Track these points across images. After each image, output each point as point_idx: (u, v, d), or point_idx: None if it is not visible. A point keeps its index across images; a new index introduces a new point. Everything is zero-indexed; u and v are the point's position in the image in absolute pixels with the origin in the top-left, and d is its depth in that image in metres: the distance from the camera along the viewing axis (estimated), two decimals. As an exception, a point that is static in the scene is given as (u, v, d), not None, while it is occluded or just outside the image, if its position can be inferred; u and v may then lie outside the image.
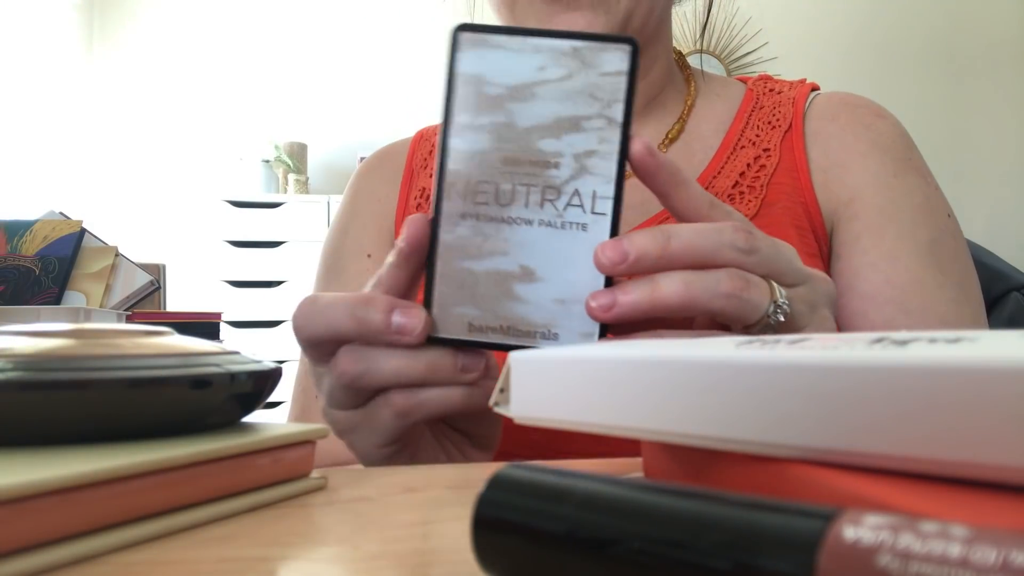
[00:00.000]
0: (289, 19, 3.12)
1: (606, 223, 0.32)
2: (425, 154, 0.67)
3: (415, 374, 0.33)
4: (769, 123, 0.59)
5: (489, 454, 0.41)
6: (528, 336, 0.33)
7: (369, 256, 0.63)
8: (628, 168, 0.33)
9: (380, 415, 0.35)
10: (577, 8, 0.53)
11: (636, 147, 0.33)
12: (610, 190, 0.32)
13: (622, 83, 0.32)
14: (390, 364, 0.33)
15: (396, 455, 0.37)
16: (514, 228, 0.32)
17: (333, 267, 0.64)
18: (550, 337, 0.33)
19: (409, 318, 0.33)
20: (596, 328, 0.32)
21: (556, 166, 0.32)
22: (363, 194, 0.67)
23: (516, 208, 0.32)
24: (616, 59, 0.32)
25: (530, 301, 0.32)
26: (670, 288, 0.31)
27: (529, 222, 0.32)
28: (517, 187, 0.32)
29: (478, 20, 0.71)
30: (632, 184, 0.59)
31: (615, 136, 0.32)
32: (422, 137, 0.69)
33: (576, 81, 0.32)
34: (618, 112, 0.32)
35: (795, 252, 0.36)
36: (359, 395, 0.35)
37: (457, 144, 0.33)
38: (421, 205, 0.64)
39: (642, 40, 0.59)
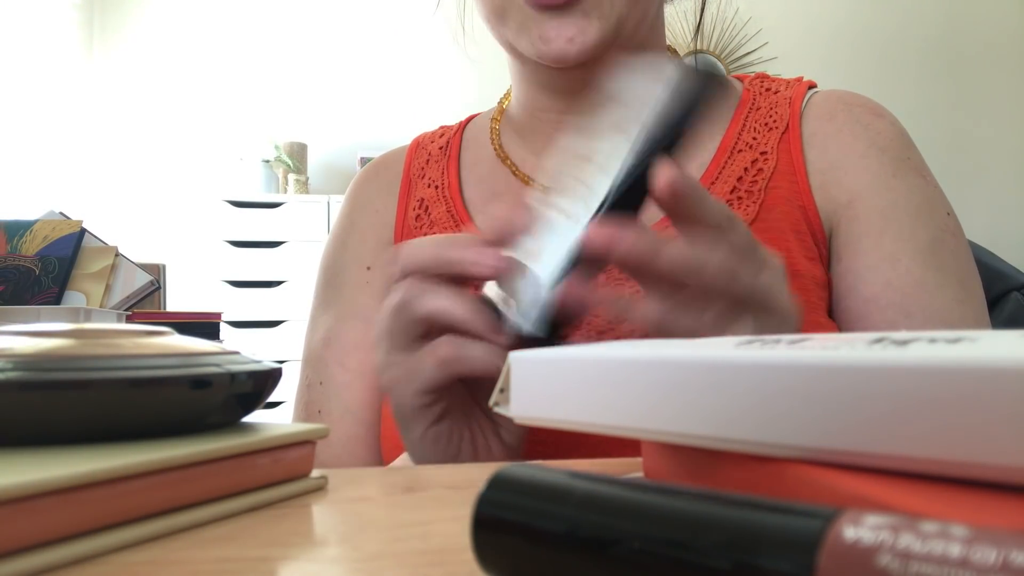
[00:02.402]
0: (289, 19, 3.12)
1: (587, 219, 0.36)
2: (422, 163, 0.66)
3: (456, 313, 0.36)
4: (766, 124, 0.58)
5: (513, 453, 0.42)
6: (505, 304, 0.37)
7: (368, 268, 0.63)
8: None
9: (423, 361, 0.37)
10: (569, 14, 0.52)
11: (660, 182, 0.34)
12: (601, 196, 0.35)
13: (656, 104, 0.34)
14: (438, 300, 0.36)
15: (427, 408, 0.38)
16: (551, 220, 0.37)
17: (332, 280, 0.64)
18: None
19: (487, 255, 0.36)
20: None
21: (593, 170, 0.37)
22: (360, 206, 0.66)
23: (559, 203, 0.37)
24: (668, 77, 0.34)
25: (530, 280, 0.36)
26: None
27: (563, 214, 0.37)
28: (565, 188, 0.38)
29: (467, 25, 0.71)
30: None
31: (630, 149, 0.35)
32: (418, 145, 0.68)
33: (626, 102, 0.36)
34: (634, 130, 0.35)
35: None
36: (408, 328, 0.38)
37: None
38: (420, 216, 0.63)
39: (635, 45, 0.58)
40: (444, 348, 0.36)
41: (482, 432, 0.41)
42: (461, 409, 0.40)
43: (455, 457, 0.40)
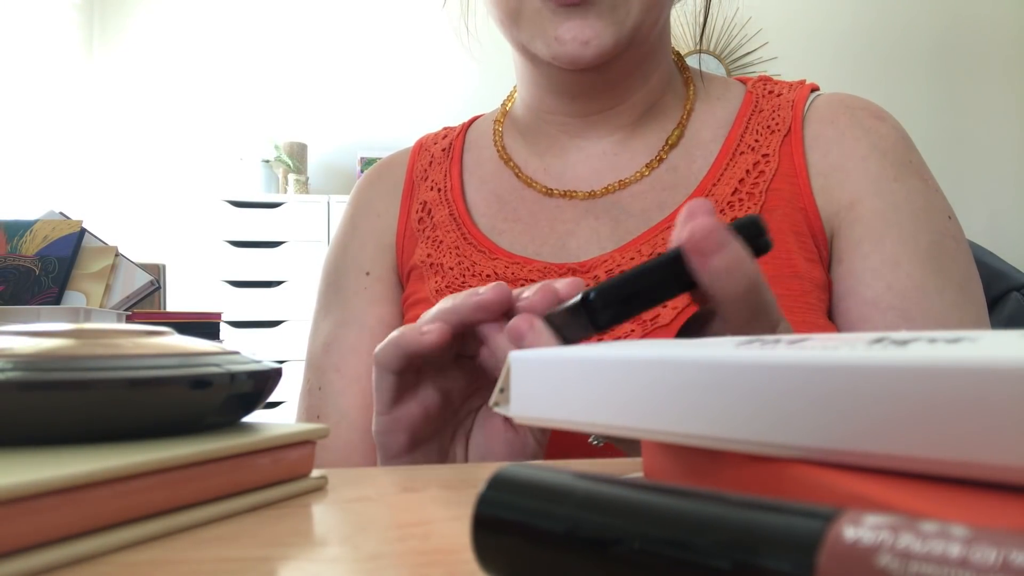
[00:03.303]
0: (289, 19, 3.12)
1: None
2: (425, 165, 0.66)
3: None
4: (768, 127, 0.59)
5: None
6: None
7: (368, 274, 0.63)
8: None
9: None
10: (585, 17, 0.53)
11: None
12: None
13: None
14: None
15: (393, 433, 0.40)
16: None
17: (333, 284, 0.64)
18: None
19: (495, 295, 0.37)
20: None
21: None
22: (362, 210, 0.66)
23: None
24: None
25: None
26: None
27: None
28: None
29: (471, 23, 0.71)
30: (632, 192, 0.59)
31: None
32: (421, 147, 0.68)
33: None
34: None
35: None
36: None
37: None
38: (423, 219, 0.63)
39: (646, 49, 0.58)
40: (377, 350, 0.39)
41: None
42: (434, 454, 0.41)
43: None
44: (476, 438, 0.41)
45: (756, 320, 0.32)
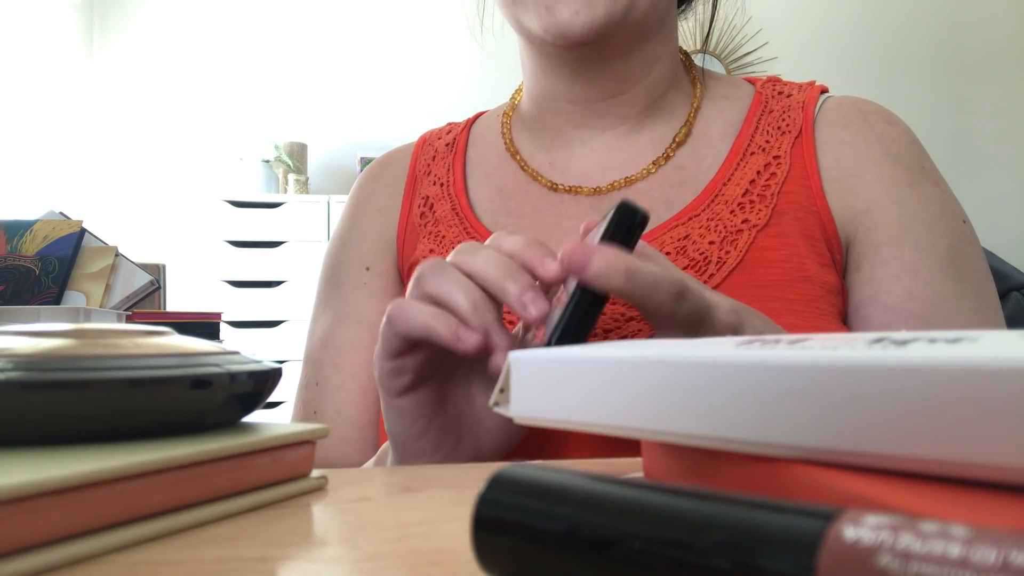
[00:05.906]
0: (289, 19, 3.12)
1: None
2: (428, 160, 0.66)
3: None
4: (779, 128, 0.58)
5: (494, 452, 0.43)
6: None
7: (368, 269, 0.63)
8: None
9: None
10: None
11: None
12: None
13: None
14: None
15: (395, 376, 0.39)
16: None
17: (333, 279, 0.64)
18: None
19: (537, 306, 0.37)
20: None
21: None
22: (363, 204, 0.66)
23: None
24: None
25: None
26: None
27: None
28: None
29: (486, 18, 0.71)
30: (638, 189, 0.59)
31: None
32: (425, 142, 0.68)
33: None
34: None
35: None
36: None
37: None
38: (425, 214, 0.63)
39: (642, 34, 0.58)
40: (395, 307, 0.39)
41: (462, 423, 0.42)
42: (437, 391, 0.41)
43: (420, 436, 0.41)
44: (480, 381, 0.42)
45: (692, 327, 0.35)
